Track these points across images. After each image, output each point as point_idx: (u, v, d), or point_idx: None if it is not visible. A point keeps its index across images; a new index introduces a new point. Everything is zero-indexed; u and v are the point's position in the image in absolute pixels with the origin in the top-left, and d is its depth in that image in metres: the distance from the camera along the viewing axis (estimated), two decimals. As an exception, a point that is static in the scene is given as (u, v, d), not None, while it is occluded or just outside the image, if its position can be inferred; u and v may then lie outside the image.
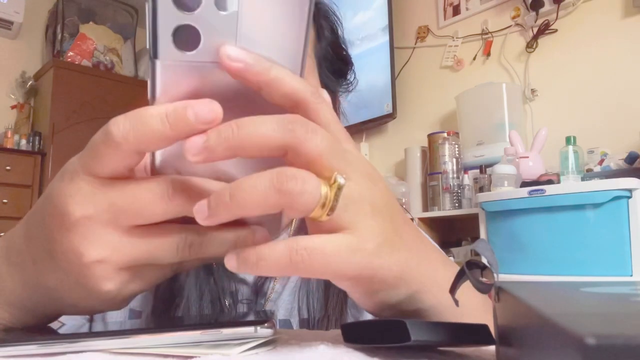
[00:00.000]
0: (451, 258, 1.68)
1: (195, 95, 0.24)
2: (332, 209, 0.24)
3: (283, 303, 0.51)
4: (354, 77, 0.60)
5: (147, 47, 0.23)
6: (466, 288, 0.25)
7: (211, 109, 0.23)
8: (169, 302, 0.47)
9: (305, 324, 0.49)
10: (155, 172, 0.26)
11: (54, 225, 0.26)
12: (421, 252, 0.31)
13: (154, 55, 0.22)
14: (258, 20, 0.23)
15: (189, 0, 0.22)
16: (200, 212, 0.24)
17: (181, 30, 0.22)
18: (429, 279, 0.30)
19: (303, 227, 0.26)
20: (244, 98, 0.25)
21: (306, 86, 0.25)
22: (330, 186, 0.24)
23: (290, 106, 0.25)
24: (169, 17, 0.22)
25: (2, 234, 0.33)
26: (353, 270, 0.26)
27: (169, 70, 0.23)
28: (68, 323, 0.35)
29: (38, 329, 0.32)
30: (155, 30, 0.22)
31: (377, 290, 0.28)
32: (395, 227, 0.28)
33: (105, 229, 0.25)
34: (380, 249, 0.26)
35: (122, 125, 0.23)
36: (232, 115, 0.25)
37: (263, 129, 0.23)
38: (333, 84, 0.57)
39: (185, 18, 0.22)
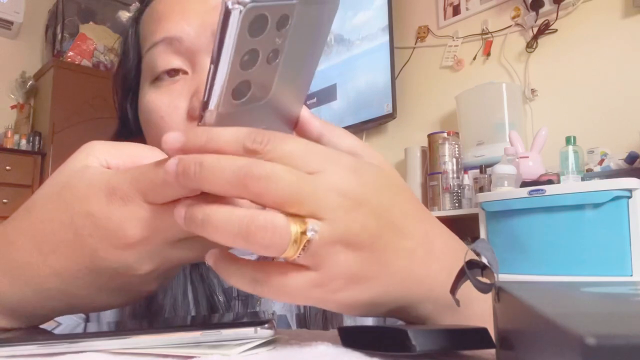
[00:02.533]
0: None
1: None
2: (298, 256, 0.24)
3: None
4: None
5: (203, 99, 0.25)
6: (473, 292, 0.25)
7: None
8: (153, 300, 0.47)
9: (301, 318, 0.49)
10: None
11: (102, 246, 0.27)
12: (413, 270, 0.28)
13: (209, 106, 0.25)
14: (292, 62, 0.27)
15: (251, 60, 0.25)
16: (178, 216, 0.26)
17: (239, 86, 0.25)
18: (411, 297, 0.29)
19: None
20: (266, 122, 0.28)
21: (245, 143, 0.25)
22: (300, 226, 0.24)
23: None
24: (233, 77, 0.25)
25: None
26: (313, 302, 0.27)
27: (219, 117, 0.26)
28: (64, 322, 0.35)
29: (38, 329, 0.32)
30: (220, 87, 0.25)
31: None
32: (377, 256, 0.26)
33: (159, 247, 0.28)
34: (345, 285, 0.26)
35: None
36: None
37: (223, 175, 0.24)
38: None
39: (244, 75, 0.25)
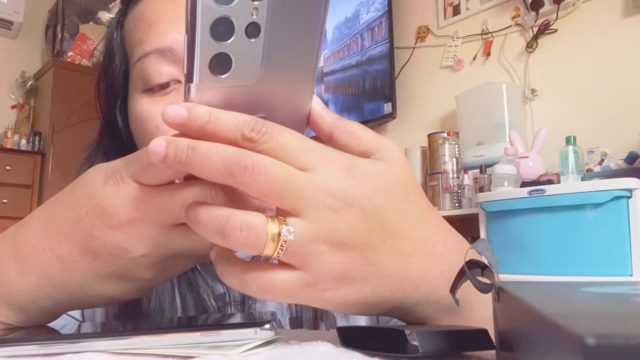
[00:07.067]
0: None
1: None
2: (278, 254, 0.25)
3: (272, 303, 0.50)
4: None
5: (184, 72, 0.25)
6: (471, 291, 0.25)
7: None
8: (137, 306, 0.46)
9: (294, 321, 0.49)
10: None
11: (96, 224, 0.28)
12: (410, 272, 0.28)
13: (190, 80, 0.25)
14: (280, 42, 0.26)
15: (224, 30, 0.24)
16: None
17: (217, 58, 0.25)
18: (407, 299, 0.29)
19: None
20: (266, 111, 0.27)
21: (243, 130, 0.25)
22: (278, 226, 0.24)
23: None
24: (206, 47, 0.24)
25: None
26: (303, 301, 0.27)
27: (202, 92, 0.26)
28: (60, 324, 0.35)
29: (38, 329, 0.32)
30: (195, 58, 0.24)
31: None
32: (367, 257, 0.26)
33: (151, 229, 0.28)
34: (333, 284, 0.26)
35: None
36: None
37: (211, 162, 0.25)
38: None
39: (220, 47, 0.25)
